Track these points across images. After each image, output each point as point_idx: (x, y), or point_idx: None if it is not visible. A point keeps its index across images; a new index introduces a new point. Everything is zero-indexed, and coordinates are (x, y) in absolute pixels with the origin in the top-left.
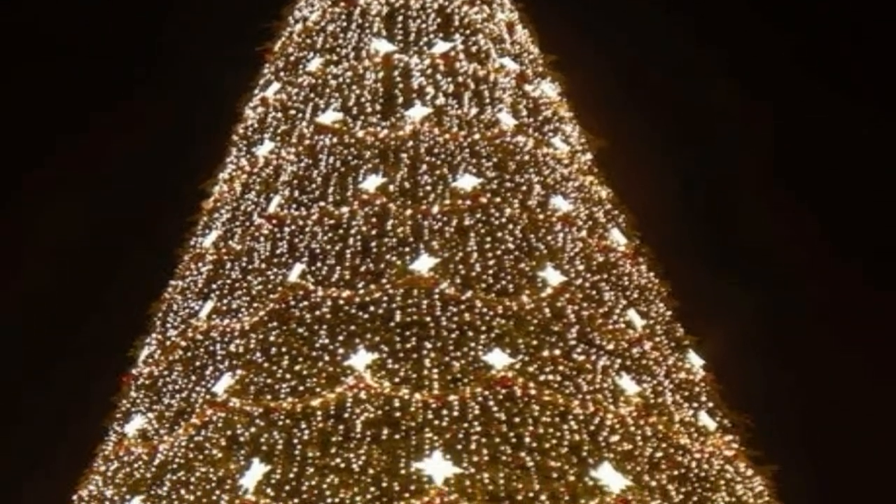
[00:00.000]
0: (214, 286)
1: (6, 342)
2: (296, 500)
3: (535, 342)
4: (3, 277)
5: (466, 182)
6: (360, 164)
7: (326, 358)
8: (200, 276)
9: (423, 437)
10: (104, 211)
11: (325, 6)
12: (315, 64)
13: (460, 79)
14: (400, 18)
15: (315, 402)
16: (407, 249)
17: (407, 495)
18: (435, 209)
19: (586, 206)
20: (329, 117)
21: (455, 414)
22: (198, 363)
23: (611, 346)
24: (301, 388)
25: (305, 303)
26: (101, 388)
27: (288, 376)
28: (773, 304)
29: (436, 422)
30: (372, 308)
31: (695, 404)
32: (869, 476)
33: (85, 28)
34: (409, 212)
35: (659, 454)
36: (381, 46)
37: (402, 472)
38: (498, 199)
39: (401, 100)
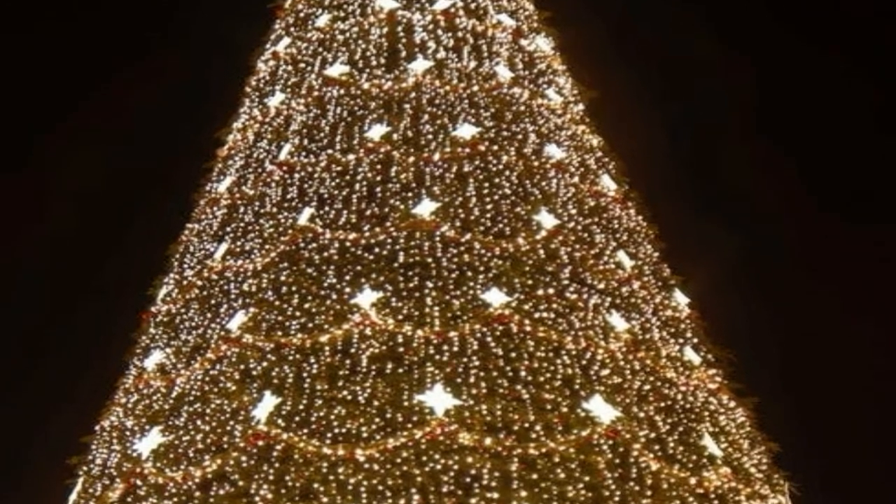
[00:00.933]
0: (228, 229)
1: (35, 281)
2: (305, 431)
3: (530, 281)
4: (32, 221)
5: (466, 131)
6: (366, 115)
7: (334, 296)
8: (215, 220)
9: (425, 370)
10: (126, 158)
11: None
12: (323, 20)
13: (460, 34)
14: None
15: (323, 338)
16: (410, 194)
17: (410, 426)
18: (436, 156)
19: (578, 153)
20: (336, 70)
21: (455, 349)
22: (213, 301)
23: (601, 286)
24: (310, 324)
25: (314, 244)
26: (122, 325)
27: (298, 314)
28: (754, 245)
29: (437, 356)
30: (377, 249)
31: (680, 340)
32: (845, 406)
33: None
34: (411, 159)
35: (647, 387)
36: (385, 3)
37: (405, 403)
38: (495, 147)
39: (404, 54)
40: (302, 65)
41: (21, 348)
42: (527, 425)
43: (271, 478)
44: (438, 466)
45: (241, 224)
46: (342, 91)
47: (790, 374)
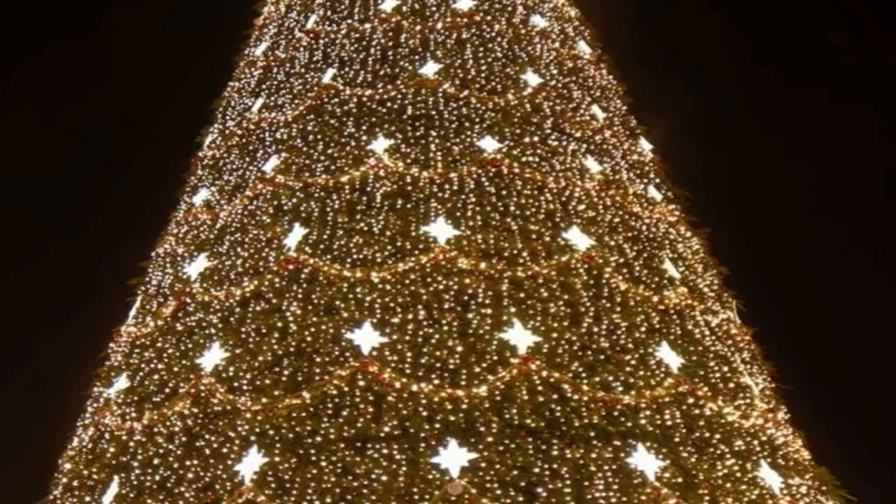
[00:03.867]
0: (264, 86)
1: (101, 130)
2: (328, 257)
3: (518, 131)
4: (99, 79)
5: (463, 3)
6: None
7: (353, 143)
8: (253, 79)
9: (430, 206)
10: (177, 26)
11: None
12: None
13: None
14: None
15: (344, 179)
16: (416, 57)
17: (416, 252)
18: (439, 25)
19: (559, 22)
20: None
21: (455, 188)
22: (251, 147)
23: (578, 134)
24: (333, 167)
25: (336, 100)
26: (174, 168)
27: (322, 158)
28: (708, 100)
29: (439, 194)
30: (389, 104)
31: (645, 180)
32: (785, 234)
33: None
34: (418, 27)
35: (616, 220)
36: None
37: (413, 234)
38: (489, 17)
39: None
40: None
41: (88, 187)
42: (515, 252)
43: (300, 296)
44: (441, 287)
45: (275, 82)
46: None
47: (738, 208)
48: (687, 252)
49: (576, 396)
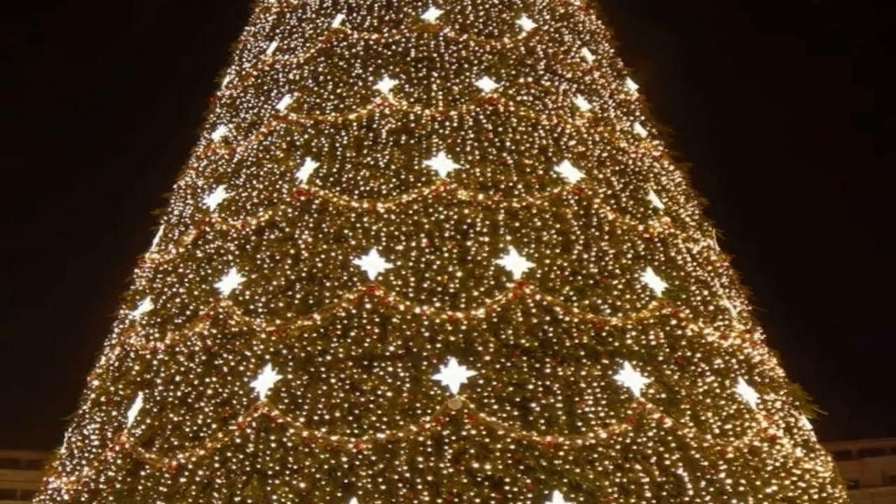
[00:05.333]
0: (278, 31)
1: (126, 73)
2: (337, 189)
3: (513, 72)
4: (124, 26)
5: None
6: None
7: (360, 83)
8: (268, 23)
9: (431, 141)
10: None
11: None
12: None
13: None
14: None
15: (352, 116)
16: (419, 3)
17: (419, 185)
18: None
19: None
20: None
21: (455, 125)
22: (265, 87)
23: (569, 75)
24: (342, 105)
25: (345, 43)
26: (194, 106)
27: (332, 97)
28: (690, 44)
29: (440, 130)
30: (393, 47)
31: (631, 118)
32: (760, 167)
33: None
34: None
35: (605, 154)
36: None
37: (416, 168)
38: None
39: None
40: None
41: (114, 123)
42: (511, 184)
43: (311, 225)
44: (441, 217)
45: (288, 27)
46: None
47: (717, 143)
48: (670, 184)
49: (567, 318)
